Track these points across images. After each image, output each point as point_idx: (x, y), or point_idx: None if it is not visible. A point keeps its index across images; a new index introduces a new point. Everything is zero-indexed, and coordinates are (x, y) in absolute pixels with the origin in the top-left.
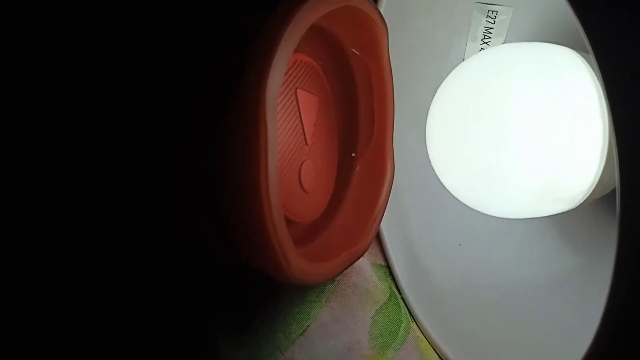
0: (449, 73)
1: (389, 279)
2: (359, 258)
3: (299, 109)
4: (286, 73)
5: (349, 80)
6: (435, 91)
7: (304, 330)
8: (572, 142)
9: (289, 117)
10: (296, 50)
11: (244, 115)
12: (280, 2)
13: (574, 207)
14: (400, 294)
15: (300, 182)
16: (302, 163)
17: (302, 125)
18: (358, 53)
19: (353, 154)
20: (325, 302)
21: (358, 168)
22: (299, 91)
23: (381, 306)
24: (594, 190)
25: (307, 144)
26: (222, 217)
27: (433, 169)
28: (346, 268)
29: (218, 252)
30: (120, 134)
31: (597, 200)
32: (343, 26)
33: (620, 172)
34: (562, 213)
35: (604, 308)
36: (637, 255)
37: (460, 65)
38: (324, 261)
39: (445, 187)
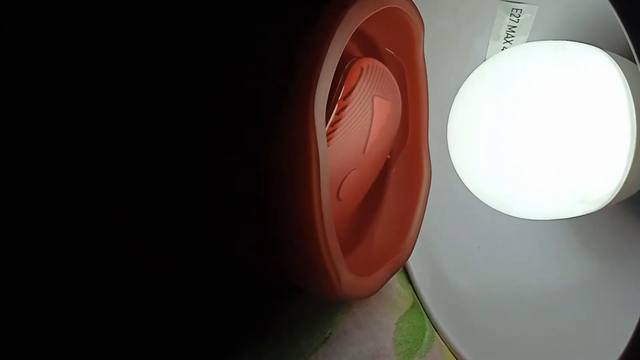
0: (471, 72)
1: (411, 285)
2: (401, 266)
3: (372, 118)
4: (360, 80)
5: None
6: (457, 89)
7: (326, 338)
8: (599, 142)
9: (357, 129)
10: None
11: (292, 130)
12: (322, 8)
13: (599, 208)
14: (419, 298)
15: (338, 192)
16: (349, 173)
17: (369, 134)
18: (393, 52)
19: (388, 156)
20: (347, 308)
21: (394, 170)
22: (375, 99)
23: (405, 313)
24: (620, 192)
25: (364, 153)
26: (267, 232)
27: (453, 169)
28: (390, 277)
29: (255, 264)
30: (163, 147)
31: (621, 203)
32: (380, 26)
33: None
34: (585, 216)
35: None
36: None
37: (483, 64)
38: (369, 273)
39: (465, 188)
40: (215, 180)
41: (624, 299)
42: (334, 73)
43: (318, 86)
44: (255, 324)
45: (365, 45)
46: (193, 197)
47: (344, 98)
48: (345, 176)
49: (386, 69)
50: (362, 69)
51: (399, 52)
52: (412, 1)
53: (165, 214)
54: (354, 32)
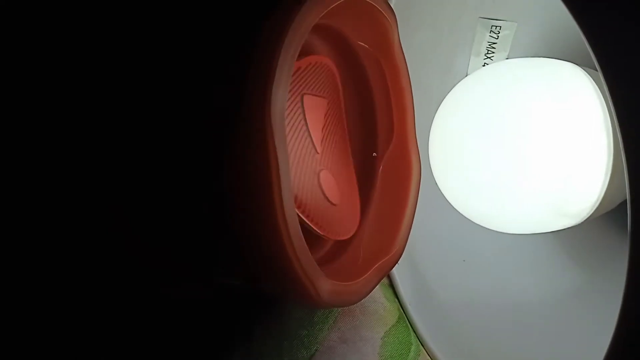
0: (452, 88)
1: (397, 300)
2: (392, 267)
3: (304, 116)
4: (293, 79)
5: (360, 75)
6: (438, 106)
7: (312, 355)
8: (577, 157)
9: (295, 126)
10: (308, 53)
11: (250, 138)
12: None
13: (580, 222)
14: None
15: (325, 195)
16: (319, 173)
17: (309, 132)
18: (367, 46)
19: (374, 154)
20: (332, 323)
21: (381, 168)
22: (305, 97)
23: (390, 328)
24: (599, 206)
25: (317, 152)
26: (239, 246)
27: (436, 185)
28: (380, 280)
29: (229, 278)
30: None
31: (602, 216)
32: (346, 20)
33: (630, 187)
34: (568, 229)
35: (615, 326)
36: None
37: (463, 80)
38: (354, 278)
39: (448, 203)
40: (187, 192)
41: (608, 309)
42: (291, 73)
43: (274, 91)
44: (239, 342)
45: (336, 41)
46: (181, 203)
47: None
48: (319, 178)
49: (330, 66)
50: (299, 68)
51: (374, 45)
52: None
53: (164, 216)
54: (323, 29)
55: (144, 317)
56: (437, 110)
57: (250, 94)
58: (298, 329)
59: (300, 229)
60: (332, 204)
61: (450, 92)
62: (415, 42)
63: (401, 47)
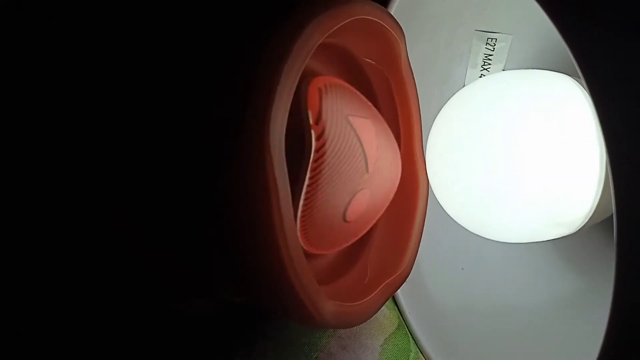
0: (449, 99)
1: (397, 307)
2: (400, 287)
3: (359, 137)
4: (323, 101)
5: (366, 91)
6: (435, 116)
7: None
8: (571, 167)
9: (347, 151)
10: (315, 73)
11: (249, 160)
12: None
13: (574, 231)
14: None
15: (344, 214)
16: (355, 194)
17: (364, 153)
18: (373, 62)
19: None
20: (333, 331)
21: None
22: (352, 118)
23: (390, 335)
24: (593, 215)
25: (367, 172)
26: (239, 269)
27: (433, 194)
28: (387, 299)
29: (230, 295)
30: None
31: (599, 224)
32: (351, 38)
33: (615, 197)
34: (563, 237)
35: (605, 332)
36: (635, 278)
37: (459, 91)
38: (360, 298)
39: (446, 212)
40: (187, 195)
41: (603, 315)
42: (292, 96)
43: (273, 114)
44: (240, 351)
45: (341, 57)
46: (181, 206)
47: (316, 123)
48: (352, 197)
49: (348, 86)
50: (319, 90)
51: (381, 61)
52: (382, 8)
53: (164, 217)
54: (327, 45)
55: (144, 319)
56: (434, 121)
57: (250, 115)
58: (298, 336)
59: (302, 250)
60: (345, 221)
61: (447, 103)
62: (413, 55)
63: (409, 62)
